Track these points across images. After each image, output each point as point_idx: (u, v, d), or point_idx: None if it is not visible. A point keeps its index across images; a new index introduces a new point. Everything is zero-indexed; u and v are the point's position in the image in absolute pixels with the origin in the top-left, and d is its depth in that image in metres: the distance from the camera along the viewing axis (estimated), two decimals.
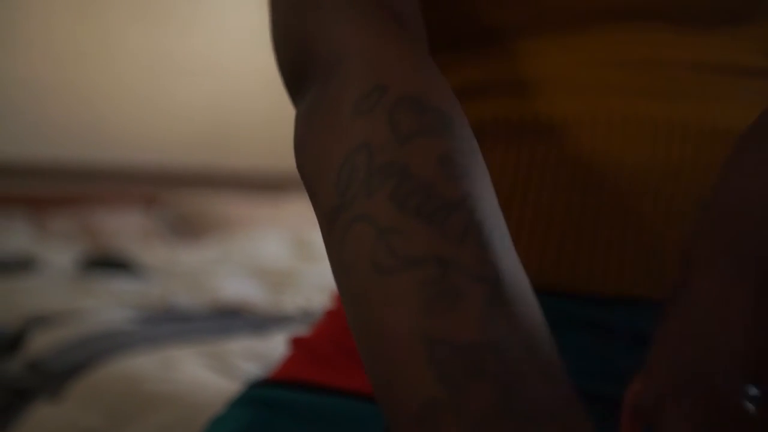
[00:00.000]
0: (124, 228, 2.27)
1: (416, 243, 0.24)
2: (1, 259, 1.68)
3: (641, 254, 0.35)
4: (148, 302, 1.33)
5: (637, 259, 0.35)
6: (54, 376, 0.99)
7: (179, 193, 2.60)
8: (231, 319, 1.24)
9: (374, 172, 0.25)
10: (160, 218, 2.45)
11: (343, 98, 0.28)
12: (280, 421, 0.39)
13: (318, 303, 1.39)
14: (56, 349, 1.05)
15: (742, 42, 0.36)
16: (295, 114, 0.32)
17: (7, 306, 1.27)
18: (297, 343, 0.44)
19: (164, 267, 1.74)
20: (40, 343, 1.08)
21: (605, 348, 0.36)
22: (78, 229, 2.21)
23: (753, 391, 0.25)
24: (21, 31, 2.31)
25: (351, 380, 0.39)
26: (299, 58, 0.32)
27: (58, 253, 1.87)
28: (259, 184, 2.83)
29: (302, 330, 0.46)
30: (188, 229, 2.41)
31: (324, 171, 0.28)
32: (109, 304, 1.30)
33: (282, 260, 1.93)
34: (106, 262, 1.67)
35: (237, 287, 1.52)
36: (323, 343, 0.42)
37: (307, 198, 0.30)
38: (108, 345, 1.03)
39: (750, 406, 0.24)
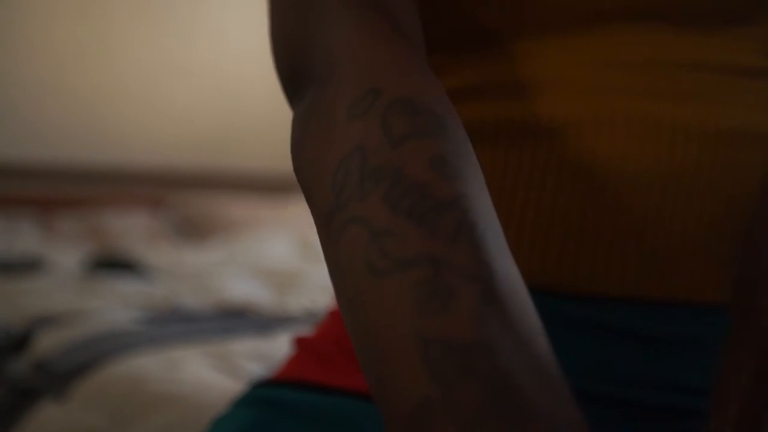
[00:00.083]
0: (130, 229, 2.28)
1: (409, 244, 0.24)
2: (8, 260, 1.69)
3: (643, 255, 0.35)
4: (153, 303, 1.33)
5: (640, 260, 0.35)
6: (59, 376, 1.00)
7: (185, 194, 2.61)
8: (236, 320, 1.24)
9: (368, 174, 0.26)
10: (165, 220, 2.46)
11: (338, 102, 0.29)
12: (283, 420, 0.39)
13: (322, 304, 1.39)
14: (62, 349, 1.05)
15: (743, 42, 0.36)
16: (292, 117, 0.32)
17: (13, 306, 1.28)
18: (300, 344, 0.44)
19: (170, 268, 1.74)
20: (46, 343, 1.09)
21: (606, 348, 0.36)
22: (84, 231, 2.22)
23: None
24: (23, 32, 2.33)
25: (354, 380, 0.39)
26: (295, 62, 0.33)
27: (64, 254, 1.88)
28: (263, 186, 2.84)
29: (306, 330, 0.46)
30: (194, 230, 2.42)
31: (320, 174, 0.28)
32: (114, 304, 1.30)
33: (287, 261, 1.93)
34: (112, 263, 1.68)
35: (242, 288, 1.52)
36: (326, 343, 0.42)
37: None
38: (113, 345, 1.03)
39: None
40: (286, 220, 2.49)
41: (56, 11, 2.38)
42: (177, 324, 1.18)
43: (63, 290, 1.43)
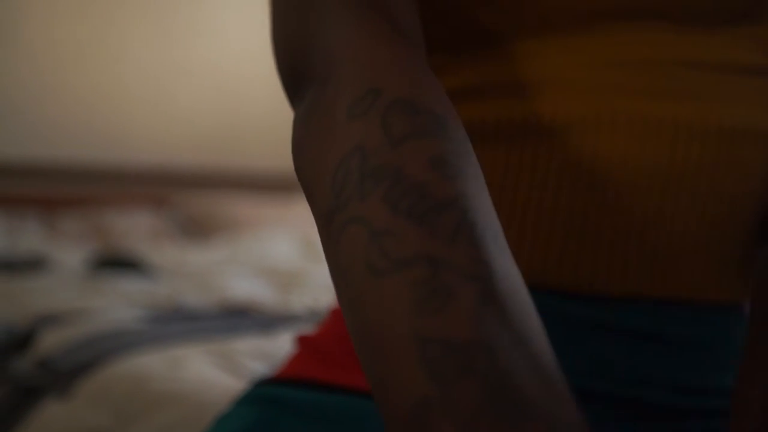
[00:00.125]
0: (134, 228, 2.28)
1: (408, 244, 0.24)
2: (12, 259, 1.69)
3: (645, 254, 0.35)
4: (156, 302, 1.34)
5: (641, 259, 0.35)
6: (63, 375, 1.00)
7: (188, 194, 2.61)
8: (239, 319, 1.24)
9: (368, 174, 0.26)
10: (169, 219, 2.46)
11: (338, 102, 0.29)
12: (285, 419, 0.39)
13: (325, 302, 1.39)
14: (65, 347, 1.06)
15: (744, 41, 0.36)
16: (293, 117, 0.32)
17: (17, 305, 1.28)
18: (302, 342, 0.44)
19: (173, 267, 1.75)
20: (50, 341, 1.09)
21: (607, 347, 0.36)
22: (88, 230, 2.22)
23: None
24: (27, 33, 2.33)
25: (356, 378, 0.39)
26: (296, 63, 0.33)
27: (68, 253, 1.88)
28: (267, 185, 2.84)
29: (309, 329, 0.46)
30: (197, 229, 2.42)
31: (320, 174, 0.28)
32: (118, 303, 1.31)
33: (290, 260, 1.93)
34: (116, 262, 1.68)
35: (245, 287, 1.53)
36: (329, 341, 0.42)
37: None
38: (116, 344, 1.04)
39: None
40: (289, 219, 2.49)
41: (59, 12, 2.39)
42: (180, 323, 1.18)
43: (66, 289, 1.44)
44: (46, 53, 2.36)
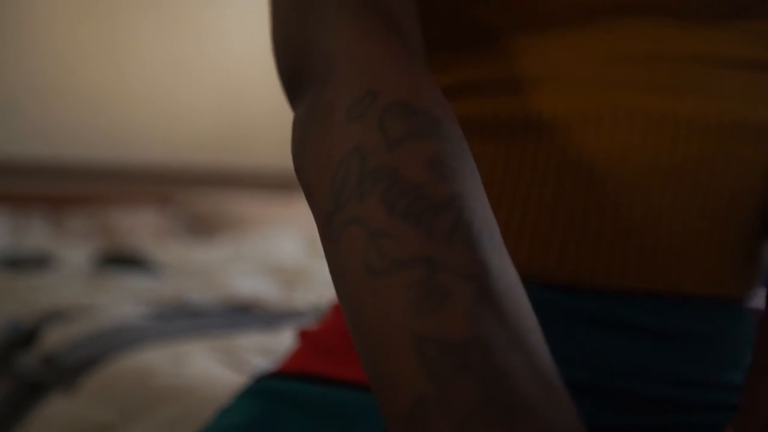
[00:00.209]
0: (139, 226, 2.29)
1: (405, 245, 0.24)
2: (18, 257, 1.70)
3: (645, 249, 0.35)
4: (161, 299, 1.34)
5: (641, 254, 0.35)
6: (68, 371, 1.00)
7: (193, 192, 2.62)
8: (242, 315, 1.24)
9: (366, 176, 0.26)
10: (174, 217, 2.47)
11: (337, 104, 0.29)
12: (286, 412, 0.39)
13: (329, 299, 1.40)
14: (70, 343, 1.06)
15: (744, 35, 0.35)
16: (293, 118, 0.32)
17: (23, 302, 1.29)
18: (304, 336, 0.44)
19: (178, 265, 1.75)
20: (55, 337, 1.10)
21: (607, 341, 0.36)
22: (93, 228, 2.23)
23: None
24: (32, 32, 2.34)
25: (357, 372, 0.39)
26: (295, 64, 0.33)
27: (73, 251, 1.89)
28: (271, 183, 2.85)
29: (312, 325, 0.46)
30: (202, 227, 2.43)
31: (320, 175, 0.28)
32: (122, 300, 1.31)
33: (294, 258, 1.93)
34: (121, 260, 1.69)
35: (250, 285, 1.53)
36: (330, 335, 0.42)
37: None
38: (120, 340, 1.04)
39: None
40: (293, 217, 2.50)
41: (65, 11, 2.39)
42: (184, 319, 1.19)
43: (71, 286, 1.44)
44: (51, 52, 2.37)
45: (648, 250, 0.35)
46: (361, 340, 0.25)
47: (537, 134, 0.35)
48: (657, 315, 0.36)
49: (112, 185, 2.48)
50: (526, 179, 0.35)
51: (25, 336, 1.14)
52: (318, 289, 1.51)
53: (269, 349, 1.01)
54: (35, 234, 2.10)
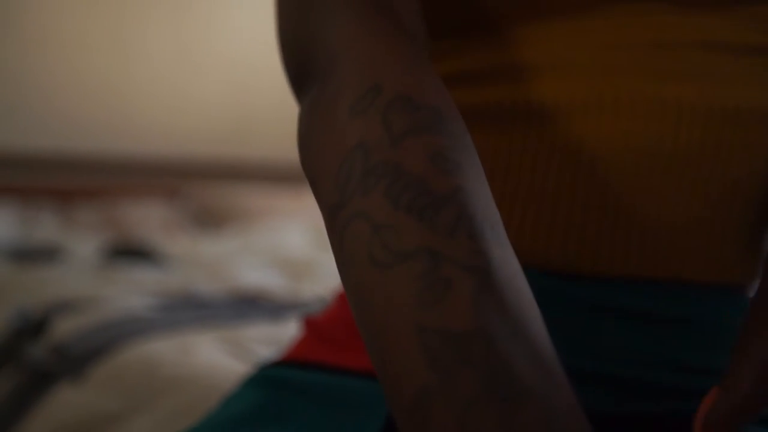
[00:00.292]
0: (147, 219, 2.30)
1: (408, 237, 0.25)
2: (28, 249, 1.71)
3: (647, 236, 0.35)
4: (168, 290, 1.35)
5: (644, 241, 0.35)
6: (76, 360, 1.01)
7: (201, 185, 2.63)
8: (249, 306, 1.25)
9: (369, 170, 0.27)
10: (181, 209, 2.48)
11: (340, 99, 0.29)
12: (290, 400, 0.39)
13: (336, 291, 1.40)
14: (78, 334, 1.07)
15: (747, 21, 0.35)
16: (298, 113, 0.33)
17: (33, 293, 1.30)
18: (308, 325, 0.44)
19: (185, 257, 1.76)
20: (64, 328, 1.11)
21: (609, 328, 0.36)
22: (102, 220, 2.25)
23: None
24: (39, 24, 2.35)
25: (361, 360, 0.40)
26: (300, 59, 0.34)
27: (82, 243, 1.91)
28: (279, 176, 2.85)
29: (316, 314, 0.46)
30: (209, 219, 2.44)
31: (325, 170, 0.29)
32: (130, 292, 1.32)
33: (301, 250, 1.94)
34: (129, 252, 1.70)
35: (257, 277, 1.54)
36: (335, 324, 0.43)
37: None
38: (128, 330, 1.05)
39: None
40: (301, 209, 2.50)
41: (73, 4, 2.40)
42: (191, 310, 1.19)
43: (80, 278, 1.45)
44: (59, 46, 2.38)
45: (650, 237, 0.35)
46: (367, 331, 0.25)
47: (539, 122, 0.35)
48: (659, 302, 0.36)
49: (120, 178, 2.49)
50: (527, 166, 0.36)
51: (35, 326, 1.15)
52: (325, 281, 1.51)
53: (275, 339, 1.01)
54: (44, 226, 2.11)
